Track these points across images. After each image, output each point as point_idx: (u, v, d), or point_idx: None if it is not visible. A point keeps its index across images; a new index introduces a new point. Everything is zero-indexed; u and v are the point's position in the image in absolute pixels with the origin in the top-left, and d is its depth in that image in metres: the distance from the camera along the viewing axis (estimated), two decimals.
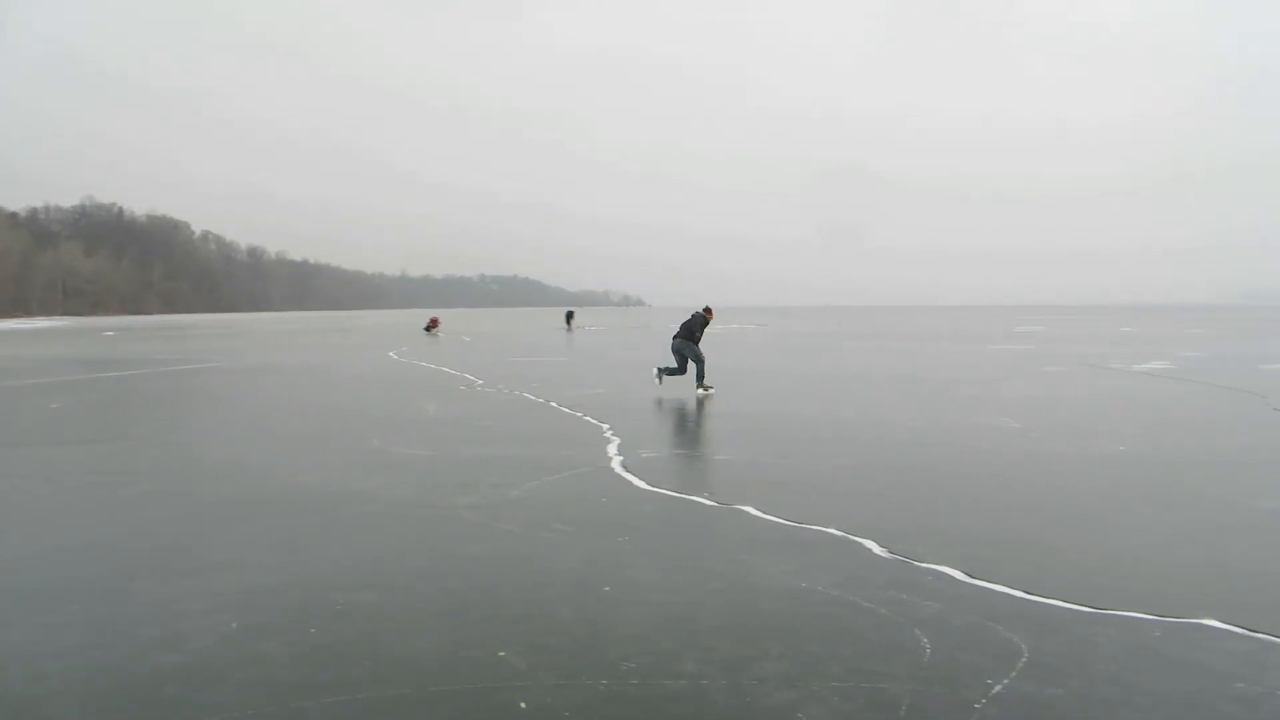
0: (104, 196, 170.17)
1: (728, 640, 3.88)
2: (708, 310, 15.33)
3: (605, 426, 10.16)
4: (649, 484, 7.08)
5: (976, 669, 3.53)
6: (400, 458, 8.54)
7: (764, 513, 6.11)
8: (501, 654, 3.73)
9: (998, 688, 3.35)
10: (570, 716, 3.19)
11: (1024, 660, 3.60)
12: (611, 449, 8.72)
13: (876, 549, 5.23)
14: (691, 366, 14.31)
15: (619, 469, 7.73)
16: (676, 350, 14.56)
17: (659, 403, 12.98)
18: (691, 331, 14.58)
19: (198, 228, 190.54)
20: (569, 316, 53.45)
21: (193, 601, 4.41)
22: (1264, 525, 5.91)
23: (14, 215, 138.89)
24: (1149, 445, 9.02)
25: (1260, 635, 3.86)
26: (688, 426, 10.63)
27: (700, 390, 13.85)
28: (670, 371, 14.41)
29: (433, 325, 45.93)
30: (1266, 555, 5.20)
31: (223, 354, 28.26)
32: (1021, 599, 4.36)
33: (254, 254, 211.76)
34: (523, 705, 3.27)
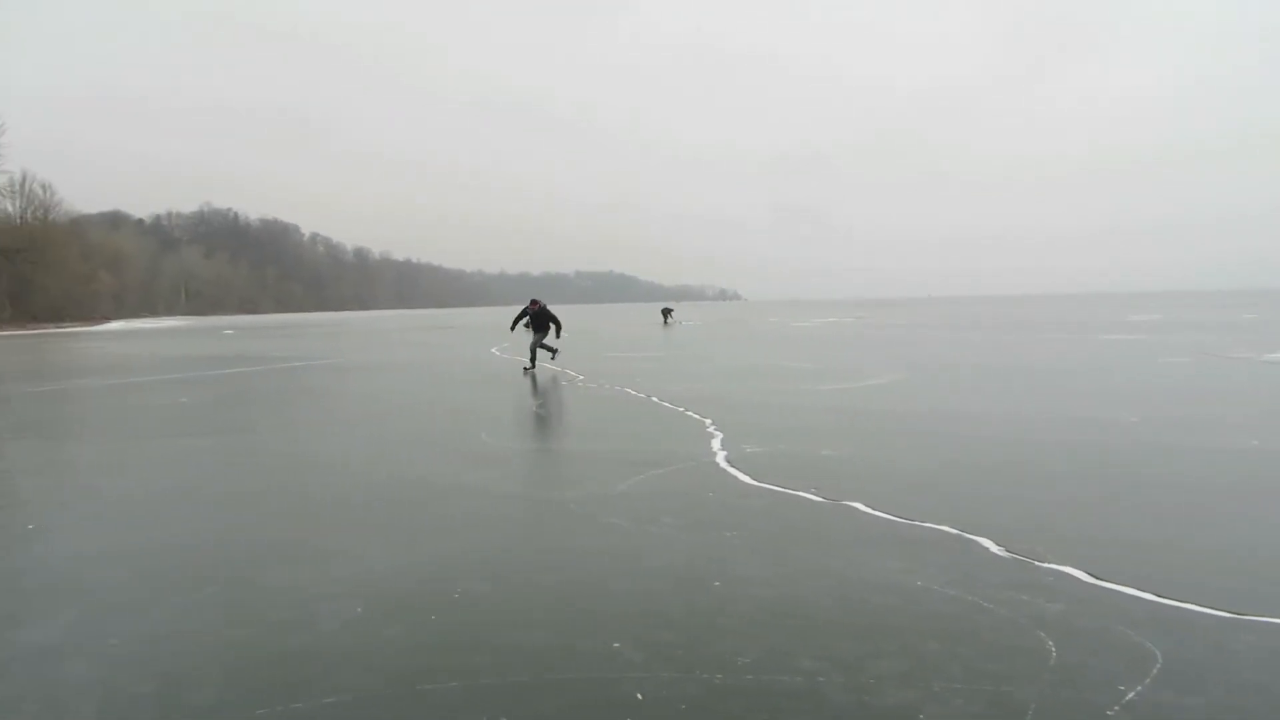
0: (220, 203, 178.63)
1: (842, 637, 3.84)
2: (534, 303, 18.86)
3: (708, 421, 10.15)
4: (755, 479, 7.05)
5: (1107, 674, 3.40)
6: (507, 452, 8.71)
7: (873, 509, 6.01)
8: (616, 645, 3.77)
9: (1131, 694, 3.22)
10: (687, 710, 3.21)
11: (1158, 666, 3.44)
12: (715, 444, 8.70)
13: (993, 547, 5.08)
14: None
15: (724, 464, 7.71)
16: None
17: (762, 397, 12.89)
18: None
19: (307, 230, 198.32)
20: (666, 312, 53.60)
21: (320, 587, 4.60)
22: None
23: (141, 222, 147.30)
24: None
25: None
26: (791, 421, 10.53)
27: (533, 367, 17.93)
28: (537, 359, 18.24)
29: None
30: None
31: (335, 352, 29.31)
32: (1151, 601, 4.17)
33: (360, 255, 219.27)
34: (639, 697, 3.30)
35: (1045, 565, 4.73)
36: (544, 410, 12.19)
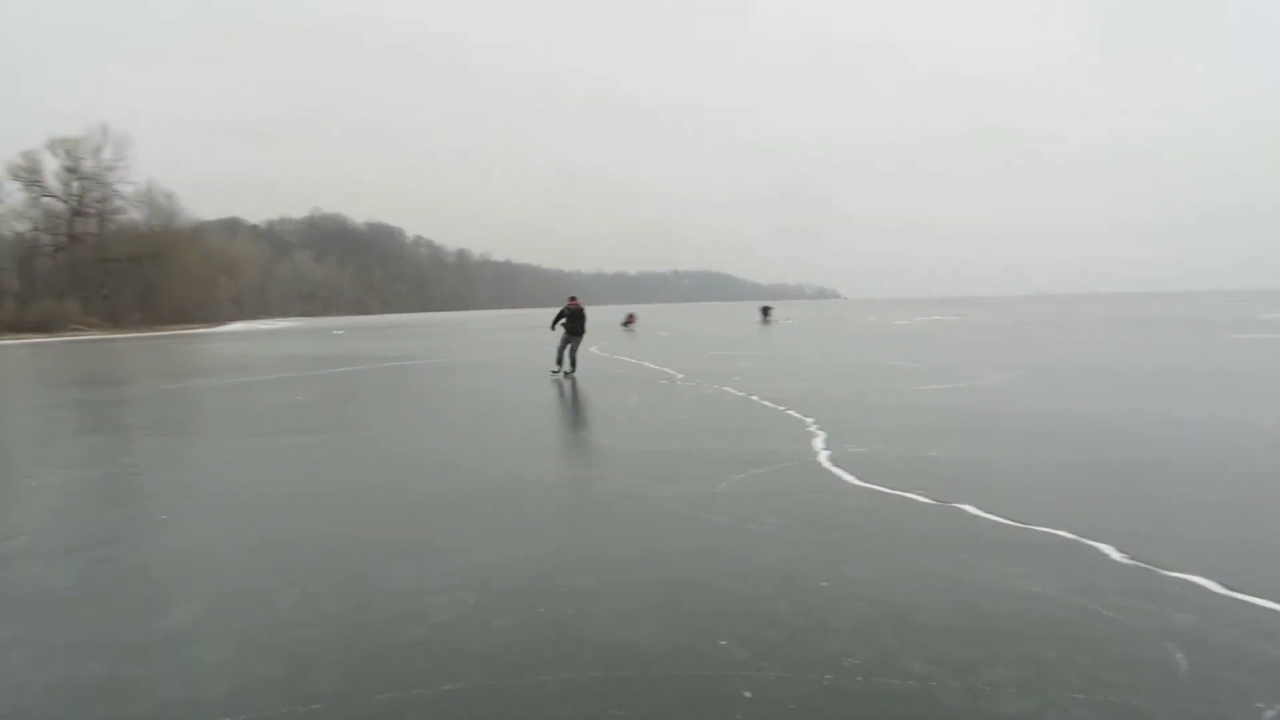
0: (328, 209, 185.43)
1: (954, 642, 3.75)
2: (572, 300, 17.54)
3: (809, 421, 10.04)
4: (859, 480, 6.93)
5: (1241, 690, 3.23)
6: (608, 450, 8.79)
7: (985, 512, 5.85)
8: (722, 643, 3.77)
9: (1270, 712, 3.05)
10: (796, 710, 3.18)
11: None
12: (818, 443, 8.60)
13: (1114, 554, 4.88)
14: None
15: (827, 464, 7.62)
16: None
17: (865, 397, 12.67)
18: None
19: (411, 233, 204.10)
20: (765, 310, 53.24)
21: (432, 580, 4.73)
22: None
23: (255, 228, 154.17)
24: None
25: None
26: (895, 422, 10.31)
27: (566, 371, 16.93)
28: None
29: (629, 321, 46.99)
30: None
31: (438, 351, 30.08)
32: None
33: (461, 256, 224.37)
34: (747, 695, 3.29)
35: (1172, 574, 4.52)
36: (643, 409, 12.25)
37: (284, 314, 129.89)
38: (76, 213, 79.65)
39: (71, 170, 78.96)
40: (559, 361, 17.15)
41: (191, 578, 5.01)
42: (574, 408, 12.91)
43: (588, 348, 28.13)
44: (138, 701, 3.40)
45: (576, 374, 16.92)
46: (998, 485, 6.73)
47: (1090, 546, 5.04)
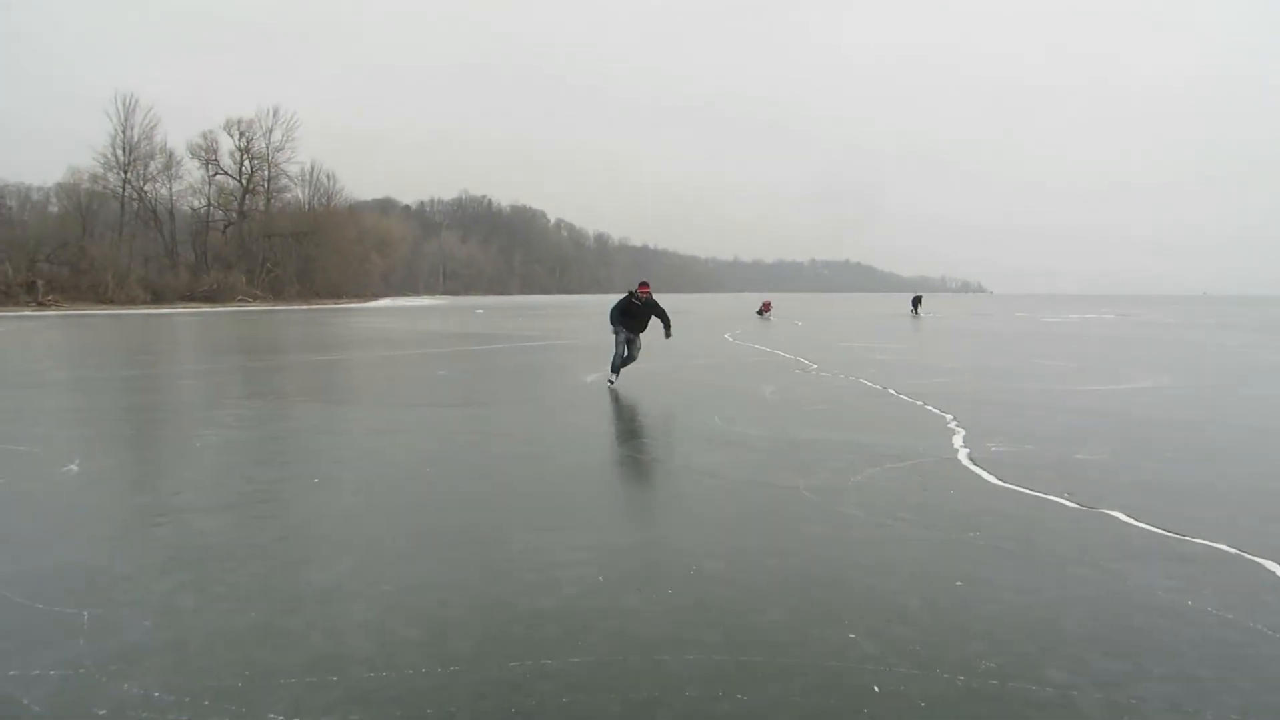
0: (475, 191, 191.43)
1: (1098, 652, 3.58)
2: (643, 287, 13.54)
3: (949, 417, 9.73)
4: (1000, 480, 6.69)
5: None
6: (740, 436, 8.76)
7: (1136, 520, 5.55)
8: (851, 636, 3.72)
9: None
10: (926, 708, 3.12)
11: None
12: (957, 440, 8.33)
13: None
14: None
15: (966, 461, 7.37)
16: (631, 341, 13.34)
17: (1008, 395, 12.19)
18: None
19: (552, 217, 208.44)
20: (916, 301, 51.24)
21: (563, 554, 4.85)
22: None
23: (407, 208, 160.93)
24: None
25: None
26: (1041, 422, 9.86)
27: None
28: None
29: (765, 309, 46.53)
30: None
31: (574, 332, 30.64)
32: None
33: (600, 240, 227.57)
34: (876, 689, 3.24)
35: None
36: (776, 398, 12.15)
37: (429, 291, 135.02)
38: (246, 190, 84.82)
39: (244, 150, 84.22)
40: (615, 369, 13.28)
41: (340, 538, 5.30)
42: (705, 393, 12.92)
43: (723, 334, 28.08)
44: (292, 651, 3.63)
45: (618, 381, 13.29)
46: (1151, 492, 6.36)
47: (1253, 562, 4.72)
